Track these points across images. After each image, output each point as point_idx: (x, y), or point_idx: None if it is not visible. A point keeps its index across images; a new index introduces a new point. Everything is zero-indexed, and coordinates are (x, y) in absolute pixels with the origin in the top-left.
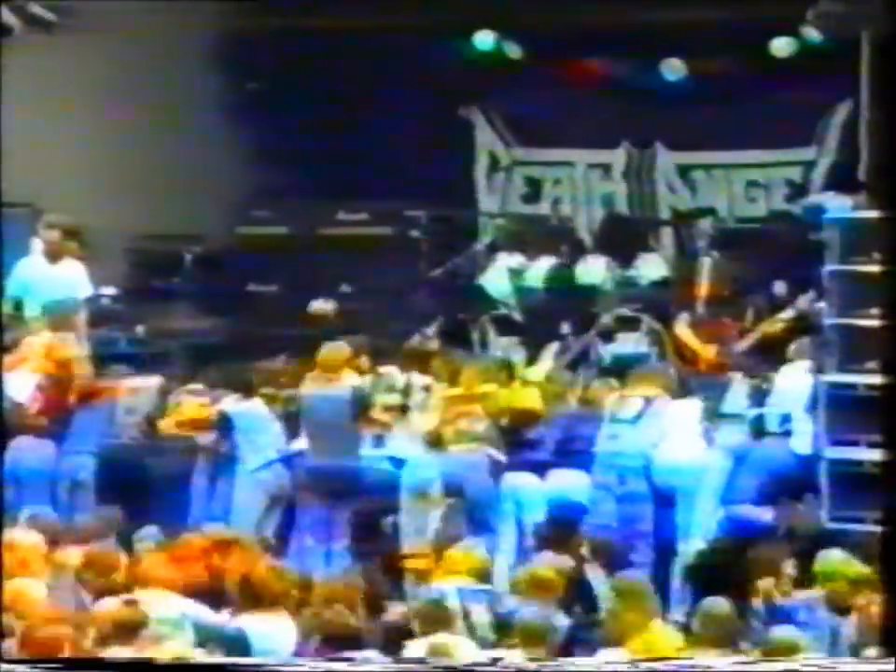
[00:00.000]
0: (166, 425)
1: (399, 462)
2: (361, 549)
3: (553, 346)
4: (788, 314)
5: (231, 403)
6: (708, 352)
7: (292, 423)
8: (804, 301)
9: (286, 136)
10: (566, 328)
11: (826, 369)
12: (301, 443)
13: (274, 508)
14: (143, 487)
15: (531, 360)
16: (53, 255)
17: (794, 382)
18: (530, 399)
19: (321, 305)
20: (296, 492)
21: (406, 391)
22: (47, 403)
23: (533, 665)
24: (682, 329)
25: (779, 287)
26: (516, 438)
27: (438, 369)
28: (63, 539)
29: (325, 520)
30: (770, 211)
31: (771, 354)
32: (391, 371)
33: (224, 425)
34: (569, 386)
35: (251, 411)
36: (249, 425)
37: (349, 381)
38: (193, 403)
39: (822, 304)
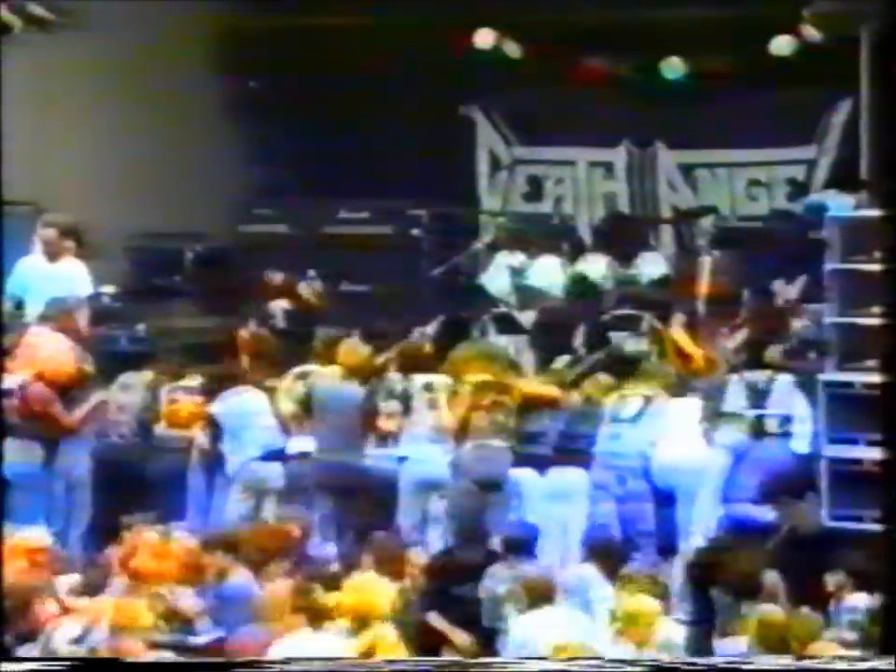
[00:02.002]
0: (161, 422)
1: (404, 459)
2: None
3: (563, 360)
4: (777, 312)
5: (216, 402)
6: (701, 352)
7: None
8: (793, 296)
9: (287, 135)
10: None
11: (825, 367)
12: (299, 442)
13: (262, 505)
14: (137, 485)
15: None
16: (51, 254)
17: (792, 380)
18: (549, 388)
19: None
20: (296, 487)
21: (405, 396)
22: (45, 402)
23: (537, 664)
24: (676, 330)
25: (780, 286)
26: (520, 432)
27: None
28: None
29: (330, 515)
30: (771, 210)
31: (764, 352)
32: (390, 377)
33: (212, 423)
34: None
35: (238, 408)
36: (235, 422)
37: (361, 383)
38: (188, 401)
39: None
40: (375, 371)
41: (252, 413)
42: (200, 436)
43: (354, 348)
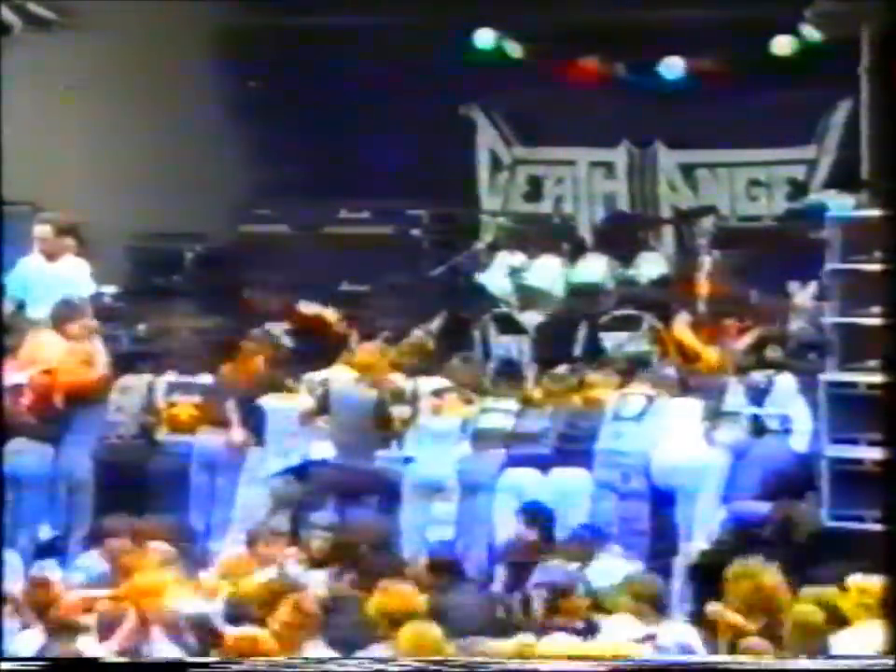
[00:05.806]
0: (161, 425)
1: (409, 460)
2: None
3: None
4: (781, 314)
5: (268, 397)
6: (707, 352)
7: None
8: (801, 300)
9: (287, 134)
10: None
11: (826, 367)
12: (320, 450)
13: (280, 510)
14: (141, 487)
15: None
16: (49, 253)
17: (794, 381)
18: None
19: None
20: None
21: (413, 399)
22: (45, 403)
23: (530, 664)
24: (681, 328)
25: (780, 286)
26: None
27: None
28: None
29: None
30: (771, 209)
31: (769, 352)
32: (398, 380)
33: (257, 422)
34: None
35: (288, 410)
36: (281, 424)
37: (375, 386)
38: (188, 402)
39: (821, 303)
40: (386, 372)
41: (292, 418)
42: (238, 432)
43: (368, 350)
